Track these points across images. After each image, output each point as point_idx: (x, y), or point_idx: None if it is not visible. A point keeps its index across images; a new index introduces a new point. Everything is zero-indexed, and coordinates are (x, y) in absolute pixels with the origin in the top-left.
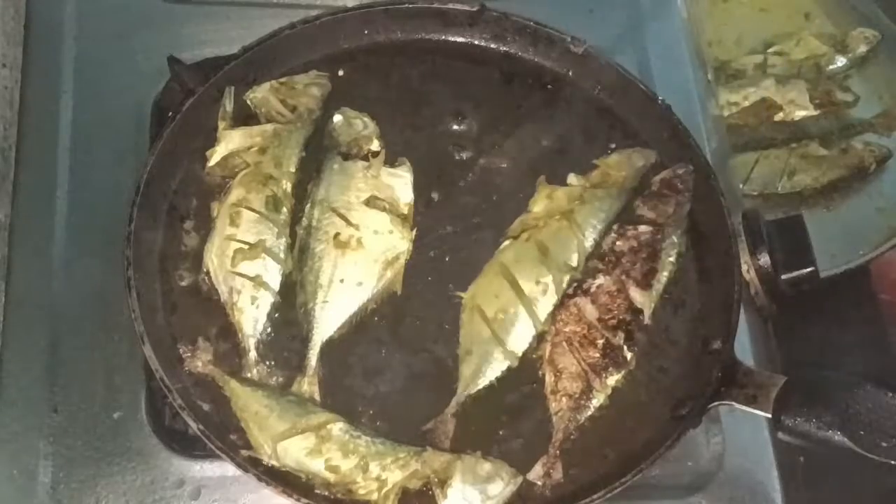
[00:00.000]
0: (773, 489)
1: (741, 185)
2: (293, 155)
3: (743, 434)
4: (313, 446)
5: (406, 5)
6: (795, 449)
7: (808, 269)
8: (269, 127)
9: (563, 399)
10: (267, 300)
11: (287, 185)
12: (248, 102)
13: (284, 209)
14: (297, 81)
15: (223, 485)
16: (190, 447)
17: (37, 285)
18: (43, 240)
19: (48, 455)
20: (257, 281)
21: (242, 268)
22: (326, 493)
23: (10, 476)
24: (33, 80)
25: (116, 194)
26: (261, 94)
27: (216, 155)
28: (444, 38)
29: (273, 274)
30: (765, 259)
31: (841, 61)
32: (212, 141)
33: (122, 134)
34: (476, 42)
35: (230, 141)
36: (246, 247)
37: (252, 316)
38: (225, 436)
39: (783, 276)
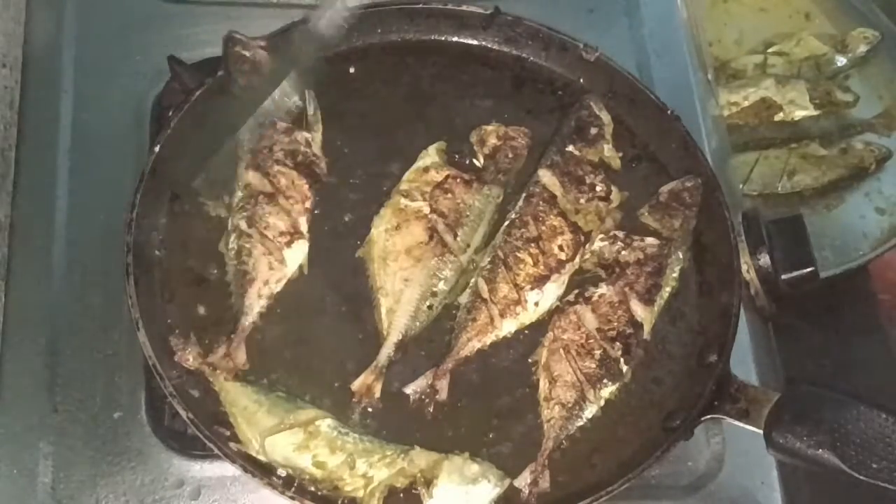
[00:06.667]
0: (773, 489)
1: (741, 185)
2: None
3: (743, 434)
4: (301, 442)
5: (420, 6)
6: None
7: (808, 269)
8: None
9: (556, 407)
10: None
11: None
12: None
13: None
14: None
15: (223, 485)
16: (190, 447)
17: (37, 285)
18: (43, 240)
19: (48, 455)
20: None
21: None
22: (313, 489)
23: (10, 476)
24: (33, 80)
25: (116, 194)
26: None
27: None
28: (456, 40)
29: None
30: (765, 259)
31: (841, 61)
32: (219, 134)
33: (122, 134)
34: (488, 45)
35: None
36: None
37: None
38: (214, 426)
39: (783, 276)
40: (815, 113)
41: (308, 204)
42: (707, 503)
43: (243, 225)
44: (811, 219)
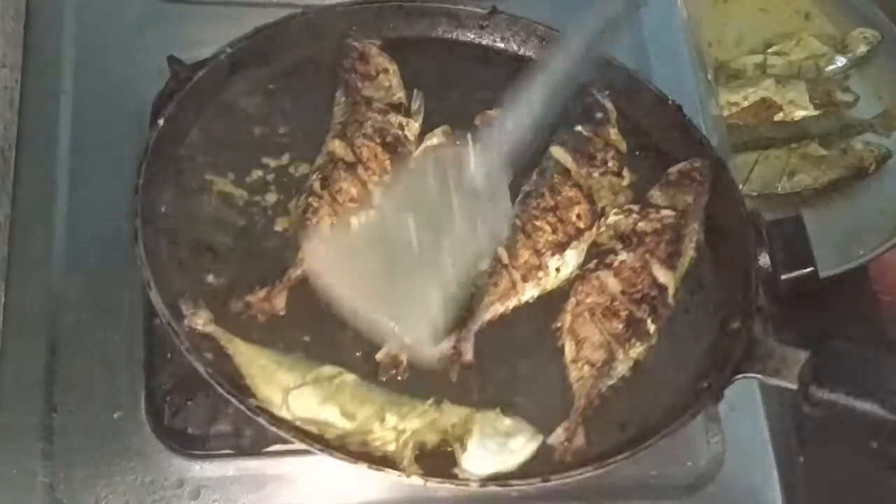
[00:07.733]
0: (772, 490)
1: (741, 186)
2: None
3: (743, 434)
4: (328, 394)
5: (417, 4)
6: (795, 449)
7: (808, 269)
8: None
9: (585, 367)
10: None
11: None
12: None
13: None
14: None
15: (223, 485)
16: (190, 447)
17: (37, 285)
18: (43, 240)
19: (48, 455)
20: None
21: None
22: (340, 446)
23: (10, 476)
24: (33, 80)
25: (116, 194)
26: None
27: None
28: (455, 37)
29: None
30: (765, 259)
31: (841, 61)
32: (221, 111)
33: (122, 134)
34: (486, 43)
35: None
36: None
37: None
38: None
39: (783, 276)
40: (815, 113)
41: (386, 178)
42: (707, 503)
43: (316, 186)
44: (811, 219)
